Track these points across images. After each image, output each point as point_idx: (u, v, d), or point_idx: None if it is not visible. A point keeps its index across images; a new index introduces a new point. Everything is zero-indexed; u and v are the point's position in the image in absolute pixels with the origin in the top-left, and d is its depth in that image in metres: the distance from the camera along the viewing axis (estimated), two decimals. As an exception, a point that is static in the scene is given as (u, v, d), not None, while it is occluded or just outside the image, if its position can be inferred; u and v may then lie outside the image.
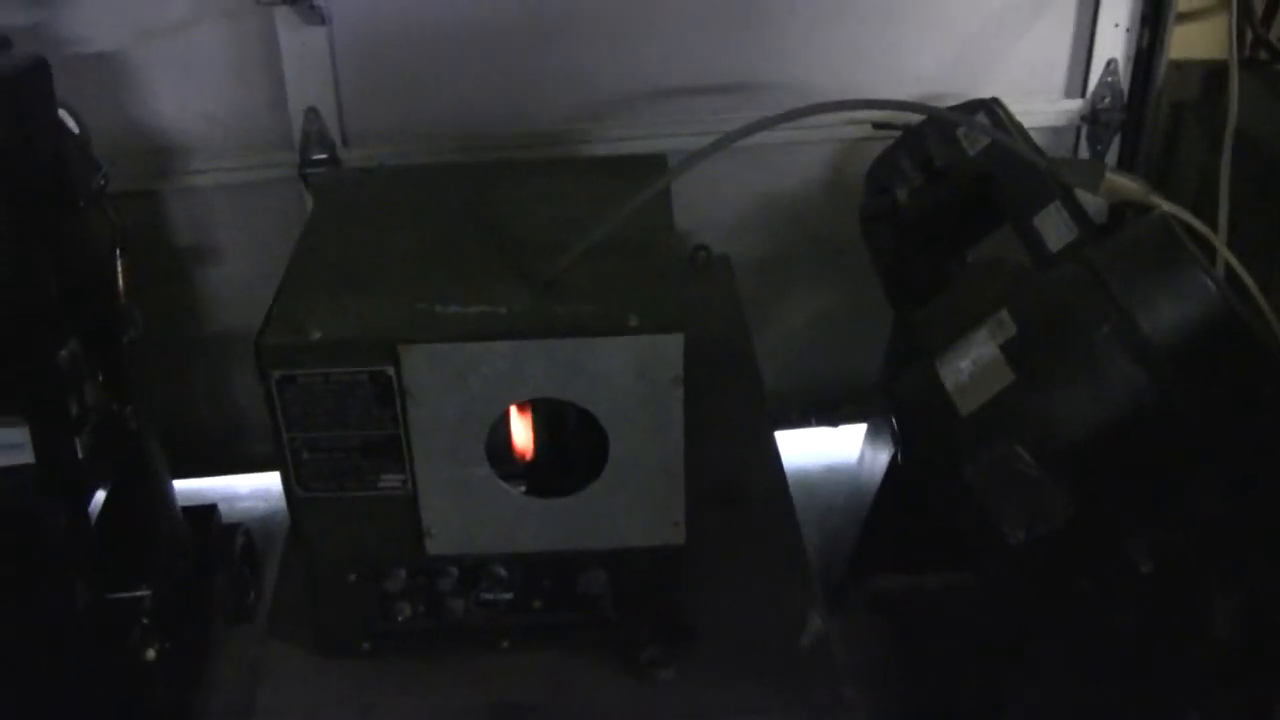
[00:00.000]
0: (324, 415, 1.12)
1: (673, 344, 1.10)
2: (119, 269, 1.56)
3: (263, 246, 1.88)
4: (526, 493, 1.18)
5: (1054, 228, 1.34)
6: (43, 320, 1.39)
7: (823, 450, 2.20)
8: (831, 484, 2.16)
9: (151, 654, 1.62)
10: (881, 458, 1.76)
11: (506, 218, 1.28)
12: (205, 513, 1.93)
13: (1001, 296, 1.19)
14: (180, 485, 1.86)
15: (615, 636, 1.25)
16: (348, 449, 1.14)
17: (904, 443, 1.25)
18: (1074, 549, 1.15)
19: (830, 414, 2.06)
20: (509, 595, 1.24)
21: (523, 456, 1.20)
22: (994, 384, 1.14)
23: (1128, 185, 1.23)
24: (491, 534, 1.19)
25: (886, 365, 1.75)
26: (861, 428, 2.04)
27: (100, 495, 1.54)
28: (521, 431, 1.19)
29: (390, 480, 1.16)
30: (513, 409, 1.16)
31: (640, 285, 1.15)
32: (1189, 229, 1.15)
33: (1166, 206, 1.20)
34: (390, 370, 1.10)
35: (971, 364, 1.16)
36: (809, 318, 2.11)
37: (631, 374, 1.11)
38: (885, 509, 1.76)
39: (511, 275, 1.17)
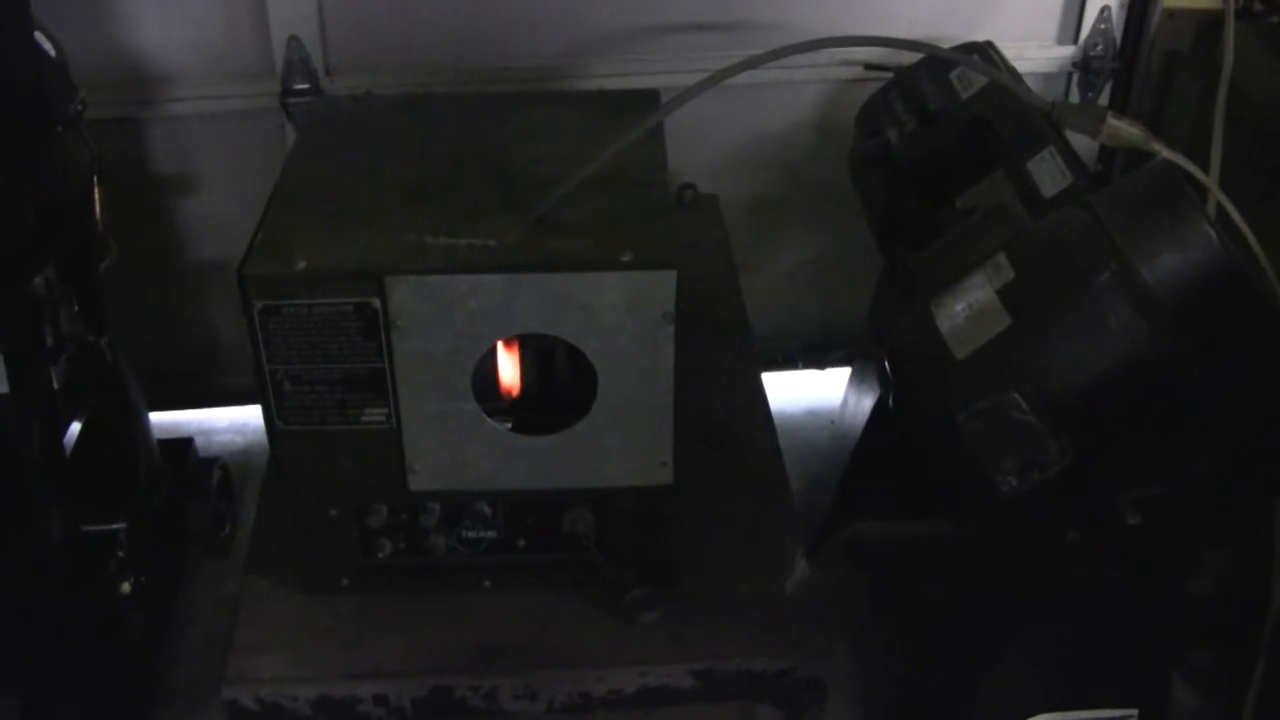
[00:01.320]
0: (307, 347, 1.10)
1: (665, 280, 1.08)
2: (96, 196, 1.52)
3: (243, 176, 1.85)
4: (512, 430, 1.16)
5: (1048, 173, 1.33)
6: (17, 247, 1.36)
7: (804, 394, 2.19)
8: (812, 428, 2.15)
9: (127, 587, 1.61)
10: (865, 402, 1.75)
11: (497, 150, 1.25)
12: (182, 446, 1.92)
13: (1000, 241, 1.18)
14: (157, 418, 1.84)
15: (600, 578, 1.23)
16: (330, 382, 1.12)
17: (896, 387, 1.23)
18: (1065, 499, 1.13)
19: (817, 357, 2.05)
20: (492, 534, 1.23)
21: (509, 393, 1.18)
22: (990, 329, 1.12)
23: (1128, 131, 1.22)
24: (476, 471, 1.17)
25: (873, 310, 1.73)
26: (844, 371, 2.03)
27: (76, 427, 1.52)
28: (509, 367, 1.17)
29: (374, 414, 1.14)
30: (500, 345, 1.14)
31: (633, 221, 1.13)
32: (1186, 176, 1.14)
33: (1166, 153, 1.18)
34: (376, 302, 1.08)
35: (967, 308, 1.14)
36: (795, 260, 2.09)
37: (622, 310, 1.09)
38: (868, 455, 1.75)
39: (502, 208, 1.15)
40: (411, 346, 1.10)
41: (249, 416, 2.13)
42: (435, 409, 1.13)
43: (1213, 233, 1.05)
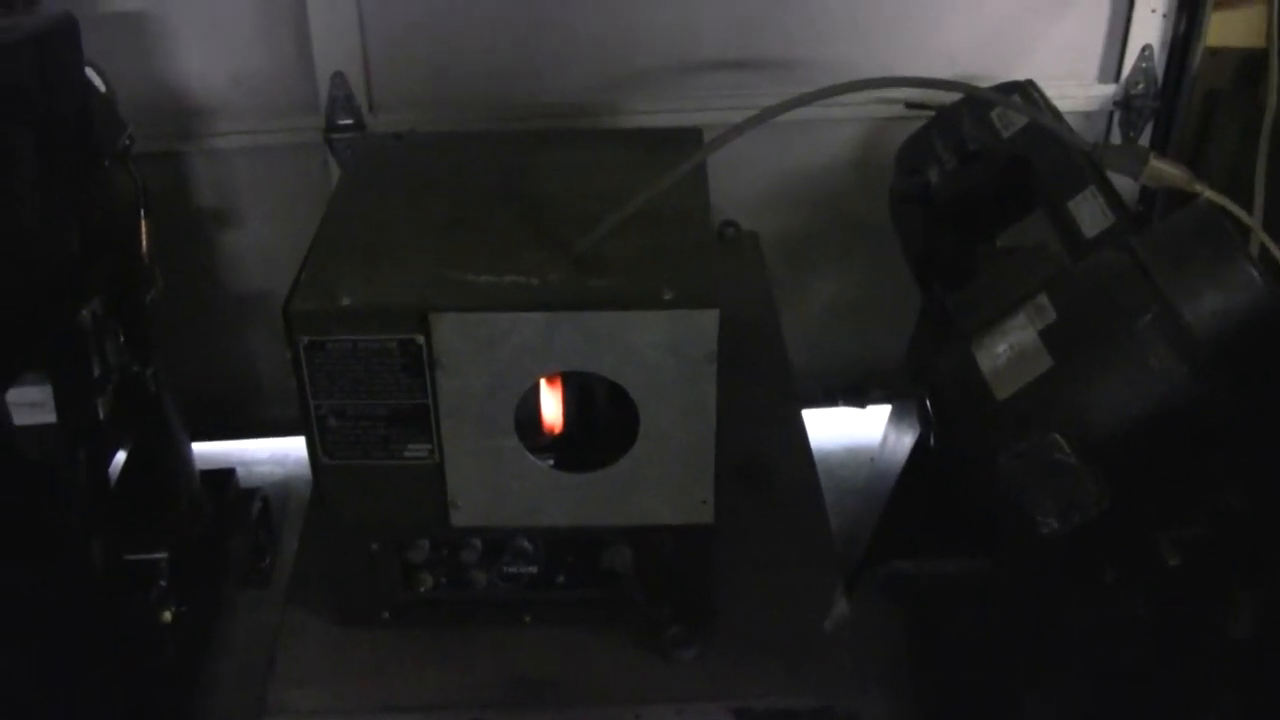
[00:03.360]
0: (351, 383, 1.11)
1: (707, 320, 1.08)
2: (142, 229, 1.54)
3: (285, 211, 1.87)
4: (554, 466, 1.16)
5: (1089, 213, 1.33)
6: (65, 278, 1.39)
7: (843, 431, 2.19)
8: (851, 466, 2.15)
9: (168, 615, 1.62)
10: (905, 441, 1.75)
11: (539, 187, 1.26)
12: (223, 476, 1.93)
13: (1041, 281, 1.18)
14: (199, 448, 1.85)
15: (638, 614, 1.23)
16: (374, 417, 1.13)
17: (937, 425, 1.23)
18: (1104, 539, 1.13)
19: (857, 395, 2.05)
20: (533, 569, 1.23)
21: (551, 430, 1.19)
22: (1031, 369, 1.12)
23: (1171, 172, 1.22)
24: (517, 507, 1.17)
25: (912, 347, 1.73)
26: (884, 409, 2.03)
27: (120, 456, 1.53)
28: (551, 404, 1.18)
29: (417, 450, 1.15)
30: (543, 381, 1.15)
31: (675, 259, 1.13)
32: (1228, 217, 1.13)
33: (1209, 194, 1.18)
34: (420, 339, 1.09)
35: (1009, 349, 1.14)
36: (834, 297, 2.10)
37: (664, 349, 1.09)
38: (907, 493, 1.75)
39: (544, 246, 1.16)
40: (455, 383, 1.11)
41: (290, 448, 2.15)
42: (477, 445, 1.14)
43: (1256, 273, 1.05)
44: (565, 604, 1.25)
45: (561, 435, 1.19)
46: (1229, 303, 1.05)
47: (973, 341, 1.18)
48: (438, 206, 1.24)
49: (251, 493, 1.95)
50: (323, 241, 1.18)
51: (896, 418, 1.91)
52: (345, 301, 1.09)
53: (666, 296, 1.08)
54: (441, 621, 1.25)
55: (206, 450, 2.00)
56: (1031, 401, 1.12)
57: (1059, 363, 1.11)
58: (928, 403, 1.25)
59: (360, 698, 1.19)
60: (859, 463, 2.14)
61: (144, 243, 1.54)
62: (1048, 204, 1.41)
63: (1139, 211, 1.39)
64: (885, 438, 1.93)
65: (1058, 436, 1.09)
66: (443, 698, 1.19)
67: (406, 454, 1.15)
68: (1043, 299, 1.16)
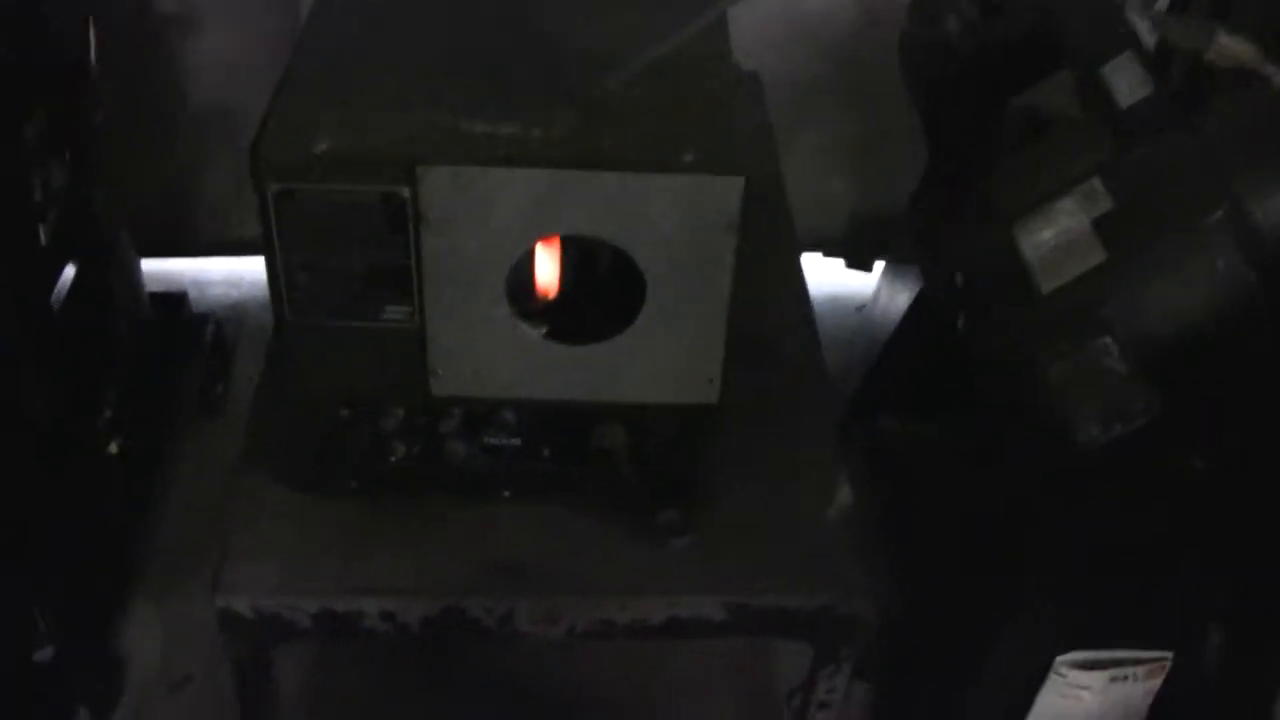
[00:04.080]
0: (325, 236, 0.99)
1: (731, 187, 0.96)
2: (90, 37, 1.39)
3: (246, 18, 1.70)
4: (547, 336, 1.05)
5: (1127, 81, 1.19)
6: (3, 88, 1.24)
7: (826, 279, 2.07)
8: (835, 316, 2.04)
9: (114, 447, 1.52)
10: (901, 298, 1.65)
11: (545, 19, 1.11)
12: (175, 301, 1.82)
13: (1094, 163, 1.06)
14: (150, 269, 1.73)
15: (629, 495, 1.14)
16: (349, 275, 1.01)
17: (966, 310, 1.12)
18: (1142, 452, 1.04)
19: (852, 250, 1.94)
20: (515, 441, 1.13)
21: (545, 295, 1.08)
22: (1082, 262, 1.01)
23: (1241, 49, 1.09)
24: (504, 378, 1.07)
25: (915, 202, 1.61)
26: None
27: (65, 280, 1.41)
28: (547, 267, 1.06)
29: (395, 312, 1.03)
30: (539, 242, 1.02)
31: (697, 115, 1.01)
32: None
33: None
34: (405, 192, 0.96)
35: (1057, 236, 1.03)
36: (833, 141, 1.96)
37: (680, 217, 0.97)
38: (901, 350, 1.66)
39: (549, 90, 1.02)
40: (442, 243, 0.98)
41: (245, 269, 2.02)
42: (464, 311, 1.02)
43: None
44: (550, 480, 1.15)
45: (556, 301, 1.08)
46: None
47: (1015, 224, 1.07)
48: (428, 39, 1.09)
49: (204, 317, 1.83)
50: (296, 73, 1.04)
51: (893, 272, 1.81)
52: (322, 146, 0.95)
53: (687, 159, 0.96)
54: (414, 494, 1.15)
55: (158, 271, 1.87)
56: (1080, 298, 1.01)
57: (1113, 256, 1.00)
58: (956, 281, 1.13)
59: (323, 578, 1.10)
60: (843, 313, 2.03)
61: (92, 52, 1.39)
62: (1077, 66, 1.28)
63: (1180, 86, 1.26)
64: (879, 291, 1.83)
65: (1108, 340, 0.98)
66: (415, 579, 1.10)
67: (384, 316, 1.03)
68: (1096, 184, 1.05)
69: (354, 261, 1.00)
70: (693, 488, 1.14)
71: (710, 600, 1.11)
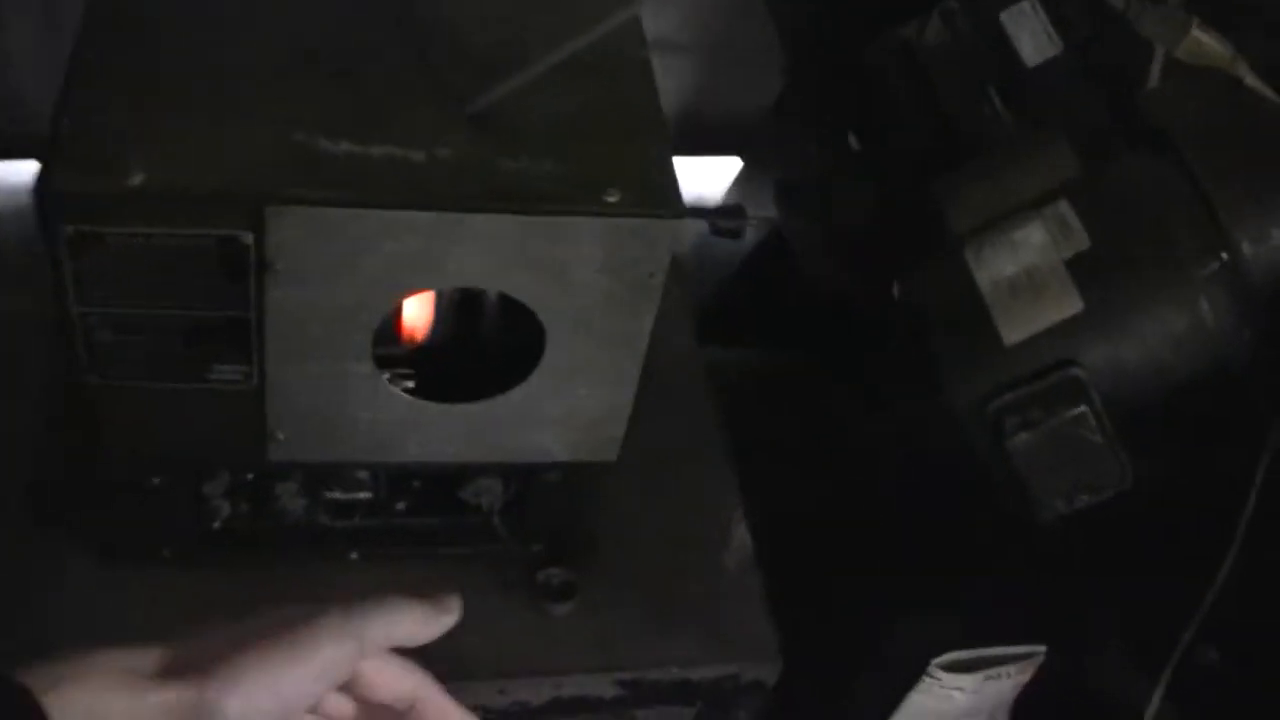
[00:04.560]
0: (138, 289, 0.76)
1: (662, 230, 0.78)
2: None
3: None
4: (416, 393, 0.85)
5: (1030, 36, 1.05)
6: None
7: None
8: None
9: None
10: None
11: (426, 7, 0.87)
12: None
13: (1059, 179, 0.91)
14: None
15: (502, 553, 0.96)
16: (169, 331, 0.78)
17: (900, 345, 0.97)
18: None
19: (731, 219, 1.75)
20: (366, 495, 0.93)
21: (412, 337, 0.87)
22: (1054, 310, 0.86)
23: (1212, 48, 0.95)
24: (363, 442, 0.86)
25: (783, 99, 1.44)
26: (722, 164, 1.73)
27: None
28: (417, 310, 0.85)
29: (227, 372, 0.81)
30: (410, 281, 0.82)
31: (617, 136, 0.80)
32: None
33: (1251, 81, 0.93)
34: (248, 238, 0.74)
35: (1021, 274, 0.88)
36: (675, 24, 1.75)
37: (598, 264, 0.78)
38: (743, 284, 1.52)
39: (429, 93, 0.80)
40: (293, 294, 0.77)
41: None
42: (317, 370, 0.81)
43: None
44: (407, 538, 0.96)
45: (426, 346, 0.88)
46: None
47: (967, 246, 0.92)
48: (268, 25, 0.82)
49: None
50: (92, 64, 0.78)
51: (745, 182, 1.64)
52: (137, 179, 0.71)
53: (610, 198, 0.76)
54: (244, 561, 0.94)
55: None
56: (1052, 353, 0.87)
57: (1090, 309, 0.86)
58: (895, 297, 0.97)
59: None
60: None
61: None
62: (972, 7, 1.13)
63: (1090, 37, 1.11)
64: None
65: (1085, 410, 0.85)
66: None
67: (212, 377, 0.81)
68: (1064, 208, 0.90)
69: (176, 317, 0.77)
70: (577, 541, 0.97)
71: (602, 678, 0.95)
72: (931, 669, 1.24)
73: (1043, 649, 1.29)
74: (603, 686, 0.96)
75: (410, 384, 0.85)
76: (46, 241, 0.73)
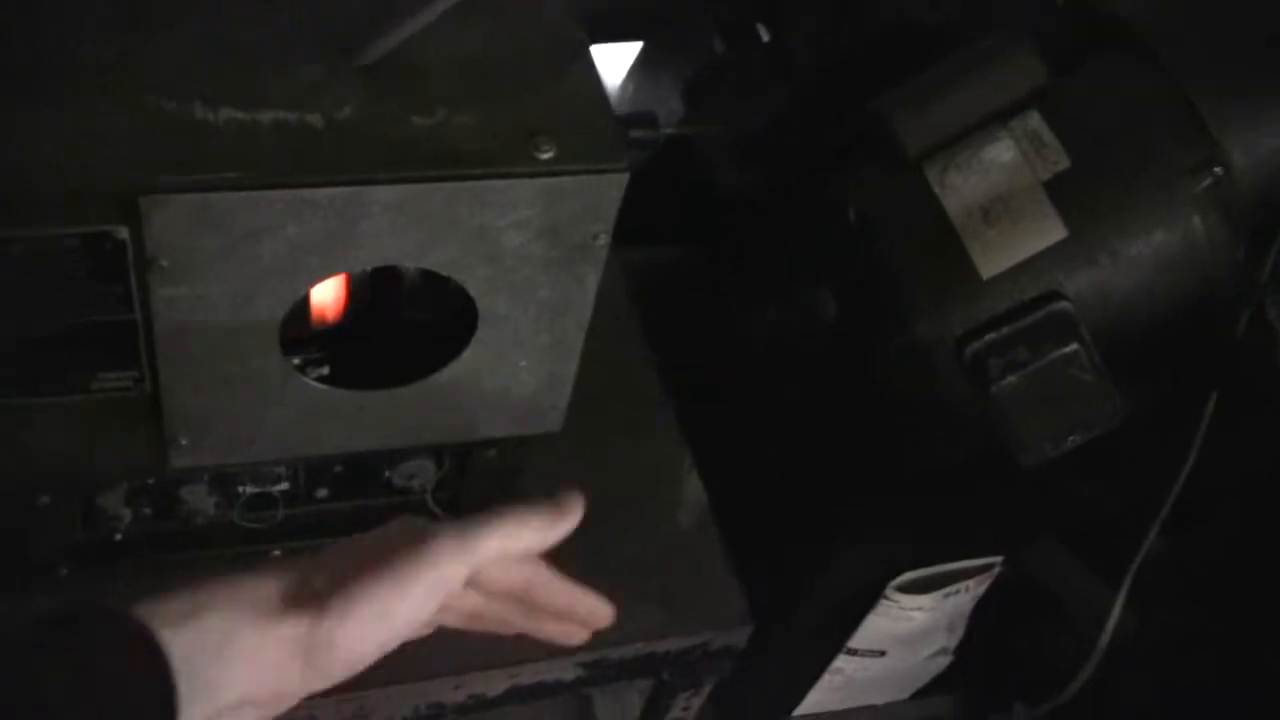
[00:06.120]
0: (4, 296, 0.64)
1: (608, 187, 0.68)
2: None
3: None
4: (331, 381, 0.75)
5: None
6: None
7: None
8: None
9: None
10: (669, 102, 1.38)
11: None
12: None
13: (1026, 87, 0.83)
14: None
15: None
16: (41, 340, 0.67)
17: (857, 283, 0.88)
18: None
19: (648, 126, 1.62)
20: (284, 486, 0.84)
21: (322, 319, 0.77)
22: (1036, 238, 0.79)
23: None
24: (275, 440, 0.76)
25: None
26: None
27: None
28: (330, 289, 0.75)
29: (114, 379, 0.70)
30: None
31: (543, 74, 0.70)
32: None
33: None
34: (123, 232, 0.63)
35: (998, 200, 0.80)
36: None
37: (532, 230, 0.68)
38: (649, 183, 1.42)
39: (316, 41, 0.68)
40: (182, 293, 0.66)
41: None
42: (218, 370, 0.71)
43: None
44: (334, 527, 0.87)
45: (340, 327, 0.77)
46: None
47: (928, 167, 0.83)
48: None
49: None
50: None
51: (650, 65, 1.53)
52: (-17, 170, 0.60)
53: (545, 153, 0.66)
54: (148, 564, 0.84)
55: None
56: (1036, 285, 0.79)
57: (1075, 232, 0.78)
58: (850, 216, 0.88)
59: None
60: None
61: None
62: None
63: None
64: (626, 87, 1.54)
65: (1078, 348, 0.77)
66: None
67: (95, 386, 0.70)
68: (1036, 121, 0.81)
69: (45, 323, 0.66)
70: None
71: (562, 662, 0.87)
72: (889, 592, 1.18)
73: (999, 559, 1.24)
74: (563, 670, 0.88)
75: (324, 371, 0.75)
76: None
